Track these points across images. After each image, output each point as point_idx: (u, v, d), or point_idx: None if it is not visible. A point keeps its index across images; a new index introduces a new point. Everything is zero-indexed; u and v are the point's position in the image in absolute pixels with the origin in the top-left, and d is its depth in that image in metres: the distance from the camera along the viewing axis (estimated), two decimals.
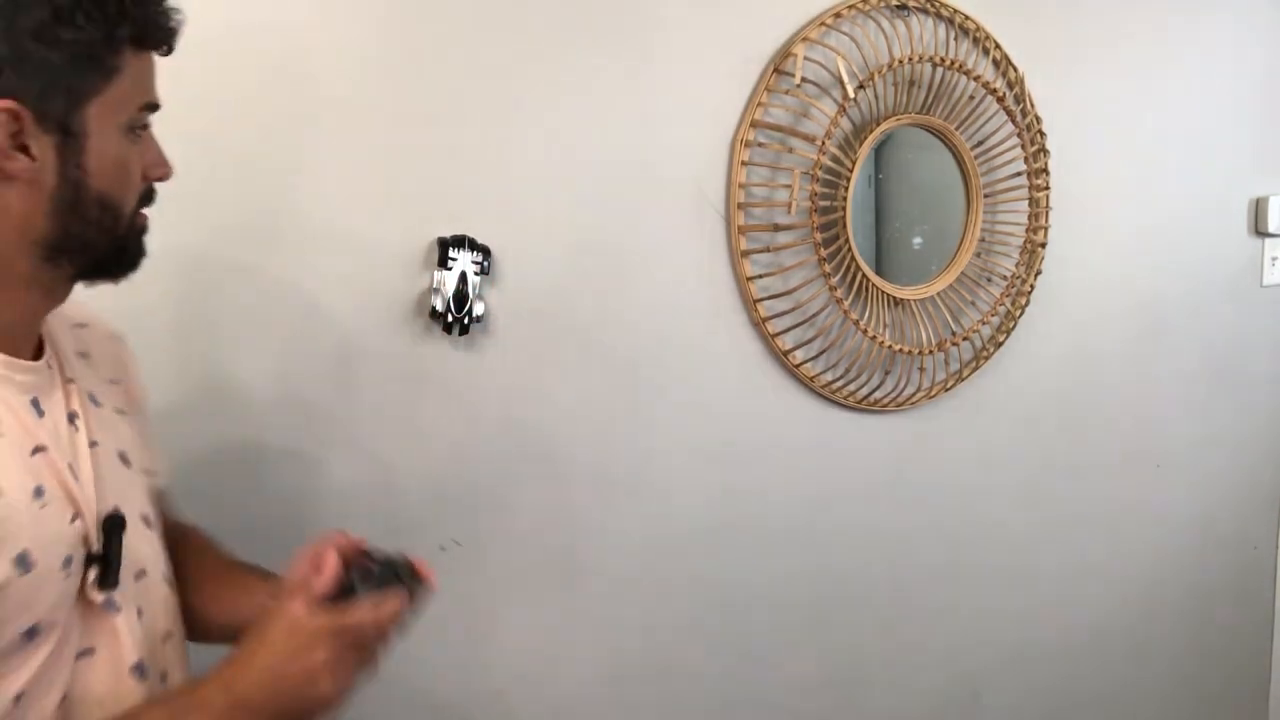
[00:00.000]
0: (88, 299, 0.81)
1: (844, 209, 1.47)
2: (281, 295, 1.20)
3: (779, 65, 1.43)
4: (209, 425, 1.18)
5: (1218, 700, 2.14)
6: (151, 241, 0.78)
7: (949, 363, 1.65)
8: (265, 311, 1.20)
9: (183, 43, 0.75)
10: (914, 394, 1.62)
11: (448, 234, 1.26)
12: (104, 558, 0.74)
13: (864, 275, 1.52)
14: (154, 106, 0.75)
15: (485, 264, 1.28)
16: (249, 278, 1.18)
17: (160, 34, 0.72)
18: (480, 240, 1.28)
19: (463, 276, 1.26)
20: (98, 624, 0.74)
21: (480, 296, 1.27)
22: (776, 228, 1.45)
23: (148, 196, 0.77)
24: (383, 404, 1.27)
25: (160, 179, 0.77)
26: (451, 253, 1.25)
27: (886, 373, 1.59)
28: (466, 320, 1.27)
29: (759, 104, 1.43)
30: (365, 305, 1.25)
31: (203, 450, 1.18)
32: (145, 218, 0.77)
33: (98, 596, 0.73)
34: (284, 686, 0.71)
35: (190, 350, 1.17)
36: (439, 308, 1.25)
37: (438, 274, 1.25)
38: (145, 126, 0.75)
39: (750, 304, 1.47)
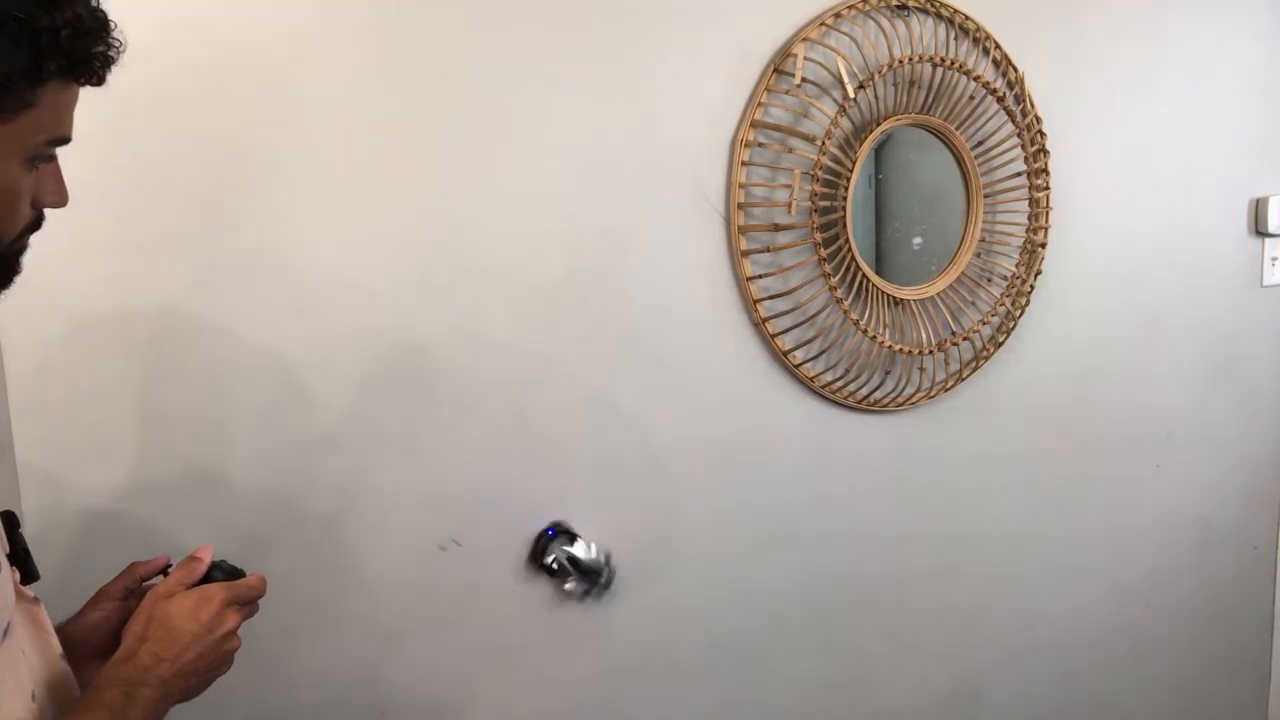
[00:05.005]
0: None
1: (844, 209, 1.47)
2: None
3: (779, 65, 1.43)
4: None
5: (1218, 700, 2.14)
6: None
7: (949, 363, 1.65)
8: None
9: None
10: (914, 394, 1.62)
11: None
12: (25, 552, 0.78)
13: (864, 275, 1.52)
14: (64, 140, 0.69)
15: (564, 530, 1.33)
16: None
17: (93, 69, 0.67)
18: (542, 523, 1.34)
19: (572, 559, 1.31)
20: (30, 617, 0.77)
21: (589, 546, 1.32)
22: (776, 228, 1.45)
23: (35, 223, 0.72)
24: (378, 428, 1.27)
25: (52, 206, 0.72)
26: (550, 562, 1.32)
27: (886, 373, 1.59)
28: (607, 575, 1.32)
29: (759, 104, 1.43)
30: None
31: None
32: (26, 242, 0.72)
33: (28, 591, 0.77)
34: (209, 648, 0.80)
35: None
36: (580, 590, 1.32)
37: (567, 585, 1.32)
38: (50, 159, 0.70)
39: (750, 304, 1.47)
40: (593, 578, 1.31)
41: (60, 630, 0.83)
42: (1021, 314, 1.69)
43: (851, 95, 1.45)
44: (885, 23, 1.50)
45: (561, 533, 1.34)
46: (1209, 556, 2.05)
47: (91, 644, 0.85)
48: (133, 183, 1.11)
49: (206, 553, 0.85)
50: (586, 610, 1.43)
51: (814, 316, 1.50)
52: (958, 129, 1.57)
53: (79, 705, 0.74)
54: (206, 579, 0.84)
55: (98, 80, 0.68)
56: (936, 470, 1.69)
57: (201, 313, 1.16)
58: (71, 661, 0.82)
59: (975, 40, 1.59)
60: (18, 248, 0.71)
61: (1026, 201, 1.66)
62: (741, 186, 1.43)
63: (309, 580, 1.25)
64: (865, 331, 1.54)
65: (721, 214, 1.44)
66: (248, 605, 0.85)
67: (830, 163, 1.46)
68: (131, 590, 0.87)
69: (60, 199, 0.72)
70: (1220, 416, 2.00)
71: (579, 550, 1.31)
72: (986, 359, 1.68)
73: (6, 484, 1.08)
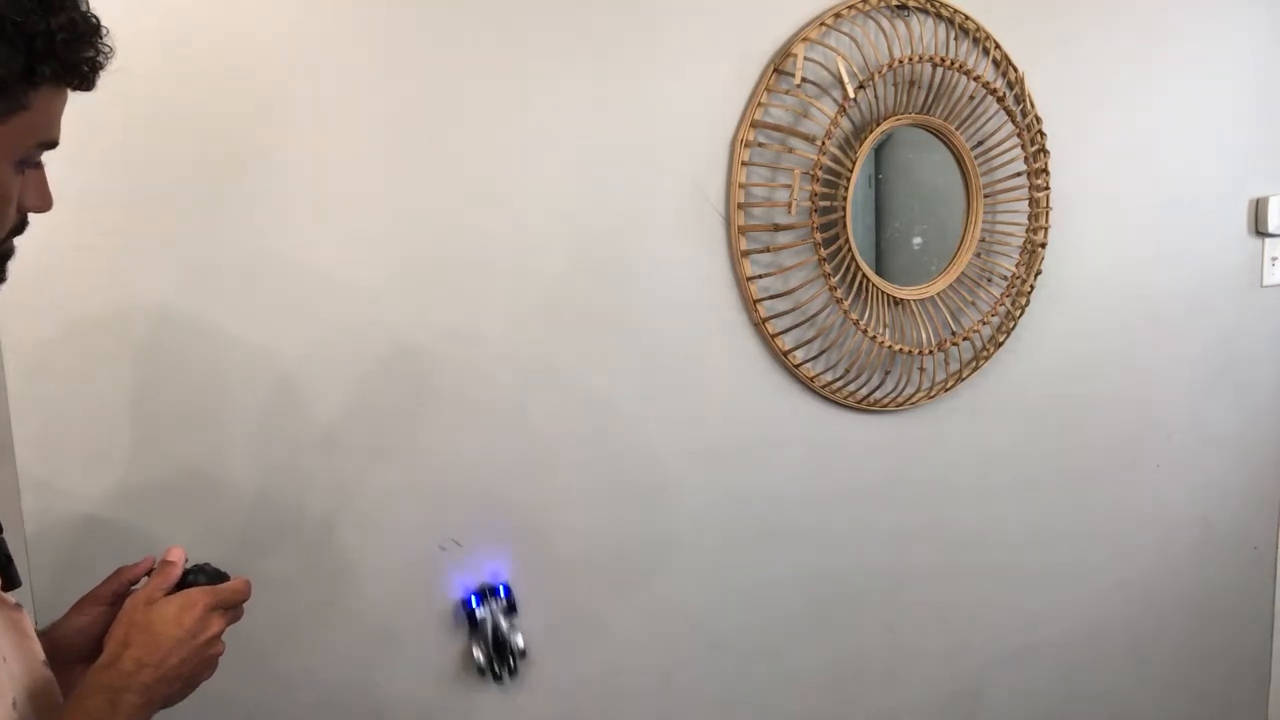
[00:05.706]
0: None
1: (844, 209, 1.47)
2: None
3: (779, 65, 1.43)
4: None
5: (1218, 700, 2.14)
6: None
7: (949, 363, 1.65)
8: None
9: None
10: (914, 394, 1.62)
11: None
12: (6, 558, 0.77)
13: (864, 275, 1.52)
14: (52, 144, 0.70)
15: (510, 600, 1.31)
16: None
17: (84, 74, 0.68)
18: (496, 579, 1.33)
19: (495, 628, 1.29)
20: (11, 624, 0.76)
21: (515, 629, 1.31)
22: (776, 228, 1.45)
23: (20, 226, 0.72)
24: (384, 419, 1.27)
25: (36, 210, 0.72)
26: (478, 613, 1.30)
27: (886, 373, 1.59)
28: (513, 662, 1.30)
29: (759, 104, 1.42)
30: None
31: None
32: (12, 245, 0.72)
33: (9, 598, 0.76)
34: (193, 654, 0.79)
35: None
36: (483, 664, 1.30)
37: (474, 647, 1.30)
38: (37, 165, 0.70)
39: (750, 304, 1.47)
40: (500, 654, 1.31)
41: (44, 635, 0.82)
42: (1021, 314, 1.69)
43: (851, 95, 1.45)
44: (885, 23, 1.50)
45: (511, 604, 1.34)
46: (1209, 556, 2.05)
47: (76, 649, 0.84)
48: (132, 183, 1.11)
49: (179, 554, 0.84)
50: (586, 610, 1.43)
51: (814, 316, 1.50)
52: (958, 129, 1.57)
53: (62, 712, 0.73)
54: (190, 583, 0.82)
55: (88, 85, 0.69)
56: (936, 470, 1.69)
57: (201, 313, 1.16)
58: (55, 667, 0.80)
59: (975, 40, 1.59)
60: (3, 250, 0.71)
61: (1026, 201, 1.66)
62: (741, 186, 1.43)
63: (308, 580, 1.25)
64: (865, 331, 1.54)
65: (721, 214, 1.44)
66: (232, 610, 0.84)
67: (830, 163, 1.46)
68: (120, 595, 0.86)
69: (44, 203, 0.72)
70: (1220, 416, 2.00)
71: (507, 626, 1.31)
72: (986, 359, 1.68)
73: (6, 484, 1.08)
